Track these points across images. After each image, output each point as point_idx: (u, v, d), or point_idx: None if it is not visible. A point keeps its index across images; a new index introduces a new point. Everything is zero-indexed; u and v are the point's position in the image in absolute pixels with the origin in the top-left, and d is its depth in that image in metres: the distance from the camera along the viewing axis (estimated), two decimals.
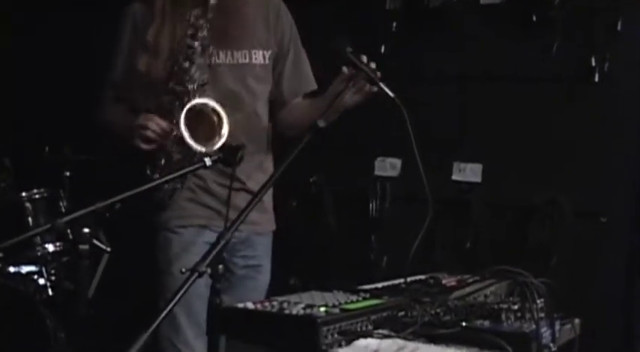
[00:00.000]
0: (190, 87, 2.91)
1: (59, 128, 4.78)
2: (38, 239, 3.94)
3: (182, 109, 2.81)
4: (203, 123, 2.80)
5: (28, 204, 4.05)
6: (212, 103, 2.81)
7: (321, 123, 2.35)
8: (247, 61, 3.04)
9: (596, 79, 3.88)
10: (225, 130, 2.75)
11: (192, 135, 2.77)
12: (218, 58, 3.02)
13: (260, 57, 3.07)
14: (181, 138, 2.81)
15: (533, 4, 4.00)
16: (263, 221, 3.17)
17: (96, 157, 4.38)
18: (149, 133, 2.91)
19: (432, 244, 4.13)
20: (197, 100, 2.84)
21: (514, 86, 4.08)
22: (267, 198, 3.17)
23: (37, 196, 4.08)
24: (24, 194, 4.06)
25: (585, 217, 3.92)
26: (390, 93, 2.50)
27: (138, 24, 3.08)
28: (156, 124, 2.91)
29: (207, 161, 2.42)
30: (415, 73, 4.25)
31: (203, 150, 2.76)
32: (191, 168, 2.49)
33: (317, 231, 4.52)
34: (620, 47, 3.87)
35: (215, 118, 2.79)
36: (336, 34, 2.68)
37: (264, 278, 3.24)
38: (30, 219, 4.06)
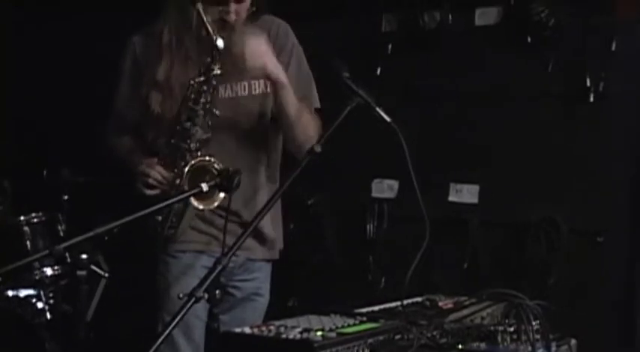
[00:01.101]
0: (193, 145, 2.97)
1: (57, 151, 4.79)
2: (37, 263, 3.94)
3: (185, 165, 2.93)
4: (204, 179, 2.84)
5: (26, 228, 4.05)
6: (215, 162, 2.88)
7: (318, 148, 2.36)
8: (247, 93, 3.07)
9: (591, 99, 3.89)
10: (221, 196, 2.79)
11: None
12: (217, 93, 3.02)
13: (261, 86, 3.07)
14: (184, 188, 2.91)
15: (528, 24, 4.02)
16: (259, 249, 3.18)
17: (94, 180, 4.39)
18: (151, 181, 3.00)
19: (430, 265, 4.12)
20: (200, 159, 2.93)
21: (510, 106, 4.09)
22: (268, 226, 3.18)
23: (35, 220, 4.08)
24: (22, 218, 4.06)
25: (582, 236, 3.92)
26: (387, 118, 2.51)
27: (138, 58, 3.14)
28: (157, 173, 3.00)
29: (204, 186, 2.43)
30: (411, 94, 4.26)
31: (201, 207, 2.88)
32: (188, 193, 2.51)
33: (315, 252, 4.53)
34: (615, 67, 3.88)
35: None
36: (332, 56, 2.68)
37: (263, 300, 3.26)
38: (28, 243, 4.06)
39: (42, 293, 3.99)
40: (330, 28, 4.40)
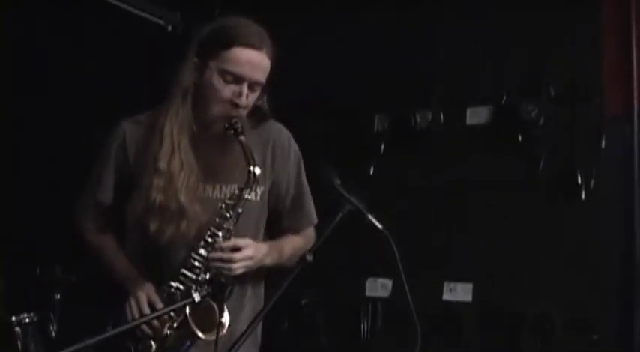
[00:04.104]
0: (201, 277, 2.83)
1: (50, 249, 4.78)
2: None
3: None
4: (204, 311, 2.74)
5: (17, 329, 4.01)
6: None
7: (309, 257, 2.38)
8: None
9: (583, 197, 3.92)
10: (225, 318, 2.71)
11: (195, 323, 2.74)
12: (204, 192, 2.95)
13: (252, 193, 2.94)
14: (178, 326, 2.78)
15: (519, 123, 4.07)
16: None
17: (87, 279, 4.37)
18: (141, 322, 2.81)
19: None
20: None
21: (502, 204, 4.11)
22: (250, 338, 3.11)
23: (26, 320, 4.05)
24: (14, 318, 4.03)
25: (577, 332, 3.90)
26: (379, 225, 2.53)
27: (127, 146, 2.98)
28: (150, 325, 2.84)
29: (196, 296, 2.42)
30: (404, 193, 4.28)
31: (204, 337, 2.74)
32: (181, 303, 2.50)
33: (309, 351, 4.49)
34: (605, 164, 3.92)
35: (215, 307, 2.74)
36: (324, 163, 2.70)
37: None
38: (19, 343, 4.02)
39: None
40: (324, 129, 4.44)
